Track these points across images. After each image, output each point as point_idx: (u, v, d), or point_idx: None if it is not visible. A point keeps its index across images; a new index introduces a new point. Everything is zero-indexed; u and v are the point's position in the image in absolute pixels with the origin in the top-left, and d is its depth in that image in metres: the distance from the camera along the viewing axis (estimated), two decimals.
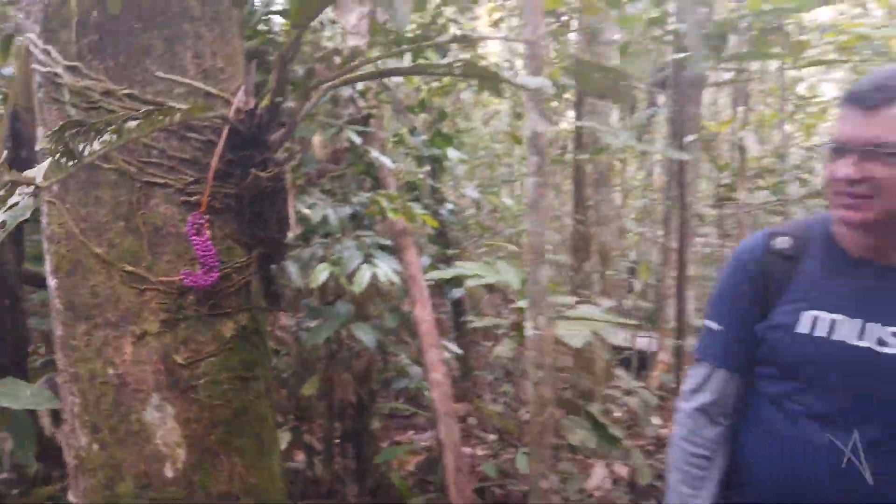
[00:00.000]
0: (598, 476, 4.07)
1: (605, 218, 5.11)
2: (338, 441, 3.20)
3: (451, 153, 3.74)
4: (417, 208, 3.03)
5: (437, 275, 2.74)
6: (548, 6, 3.98)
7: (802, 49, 4.32)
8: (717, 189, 7.29)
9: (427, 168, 3.93)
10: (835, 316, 1.19)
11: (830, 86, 14.39)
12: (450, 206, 3.61)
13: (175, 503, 1.05)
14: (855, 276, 1.20)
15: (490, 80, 1.29)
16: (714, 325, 1.32)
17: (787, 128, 11.61)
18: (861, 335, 1.17)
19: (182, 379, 1.05)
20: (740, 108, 8.16)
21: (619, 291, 7.05)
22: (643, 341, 5.29)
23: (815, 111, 13.46)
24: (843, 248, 1.22)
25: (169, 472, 1.05)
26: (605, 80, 1.26)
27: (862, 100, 1.12)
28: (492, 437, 4.29)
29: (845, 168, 1.12)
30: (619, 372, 5.08)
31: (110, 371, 1.04)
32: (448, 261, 3.73)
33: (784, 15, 5.09)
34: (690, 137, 5.29)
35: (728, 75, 6.35)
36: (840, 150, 1.14)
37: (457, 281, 3.82)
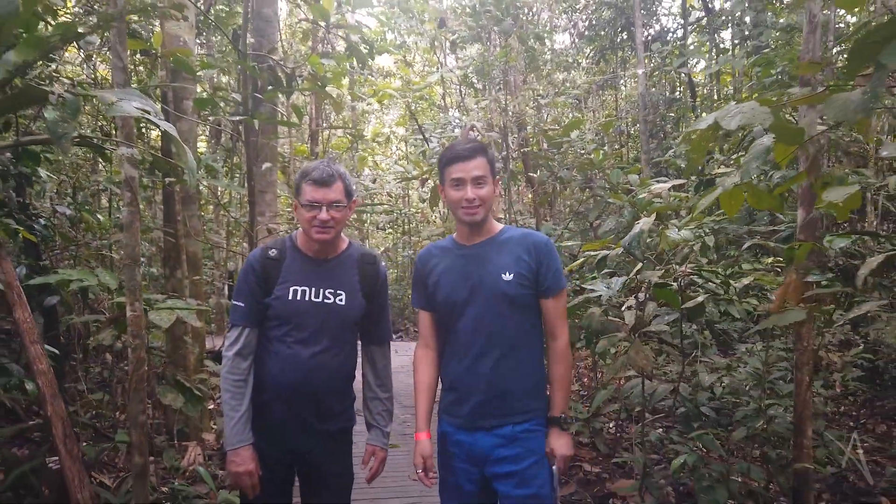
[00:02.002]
0: (192, 454, 4.87)
1: (193, 231, 5.80)
2: None
3: (41, 172, 4.07)
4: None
5: (40, 280, 3.18)
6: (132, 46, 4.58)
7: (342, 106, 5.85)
8: None
9: (12, 184, 4.15)
10: (304, 287, 2.32)
11: (391, 121, 17.47)
12: (42, 220, 3.96)
13: None
14: (310, 265, 2.36)
15: (95, 147, 2.06)
16: (239, 303, 2.34)
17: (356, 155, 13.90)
18: (317, 295, 2.32)
19: None
20: (311, 139, 9.73)
21: (210, 294, 7.84)
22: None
23: (377, 143, 16.16)
24: (303, 252, 2.37)
25: None
26: (174, 167, 2.14)
27: (322, 181, 2.26)
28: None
29: (323, 214, 2.25)
30: (209, 363, 5.94)
31: None
32: (41, 271, 4.04)
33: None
34: (266, 164, 6.41)
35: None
36: (316, 206, 2.25)
37: (50, 290, 4.16)
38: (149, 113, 1.68)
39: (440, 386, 2.44)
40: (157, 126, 1.76)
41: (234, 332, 2.34)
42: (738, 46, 11.35)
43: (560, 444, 2.27)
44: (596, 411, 4.81)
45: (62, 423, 3.03)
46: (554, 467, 2.27)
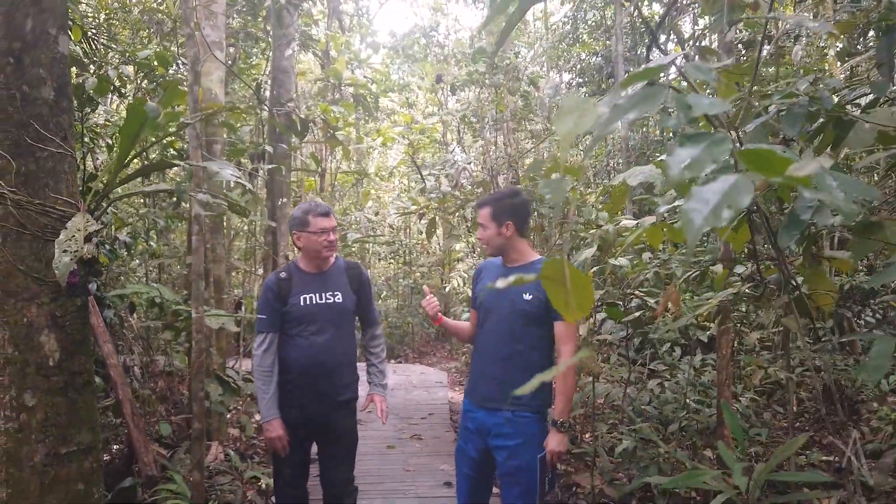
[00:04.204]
0: (213, 453, 5.68)
1: (218, 257, 6.66)
2: None
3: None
4: None
5: (117, 292, 4.04)
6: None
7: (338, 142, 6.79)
8: None
9: None
10: (311, 294, 3.18)
11: (394, 155, 18.45)
12: (107, 246, 4.83)
13: (53, 374, 2.44)
14: (312, 278, 3.22)
15: (182, 197, 2.95)
16: (263, 316, 3.19)
17: (361, 189, 14.79)
18: (321, 298, 3.18)
19: (58, 323, 2.45)
20: (320, 176, 10.64)
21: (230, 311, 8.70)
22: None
23: (380, 177, 17.06)
24: (305, 270, 3.24)
25: (51, 363, 2.44)
26: (243, 209, 3.04)
27: (326, 213, 3.14)
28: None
29: (331, 236, 3.13)
30: (231, 372, 6.73)
31: (25, 320, 2.39)
32: (104, 286, 4.91)
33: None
34: (283, 199, 7.31)
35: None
36: (325, 231, 3.14)
37: (105, 303, 5.02)
38: (239, 178, 2.58)
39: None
40: (243, 185, 2.65)
41: (261, 337, 3.20)
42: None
43: (553, 441, 2.83)
44: None
45: (130, 403, 3.88)
46: (544, 456, 2.85)
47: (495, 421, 2.93)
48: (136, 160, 3.70)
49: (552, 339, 2.94)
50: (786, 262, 2.02)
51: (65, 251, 2.13)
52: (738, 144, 1.97)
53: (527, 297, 2.88)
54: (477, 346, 3.06)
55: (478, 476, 3.07)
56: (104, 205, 2.60)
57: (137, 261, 7.37)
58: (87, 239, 2.19)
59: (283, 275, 3.24)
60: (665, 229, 3.76)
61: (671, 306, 3.07)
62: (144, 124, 2.40)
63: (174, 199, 6.91)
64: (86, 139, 4.91)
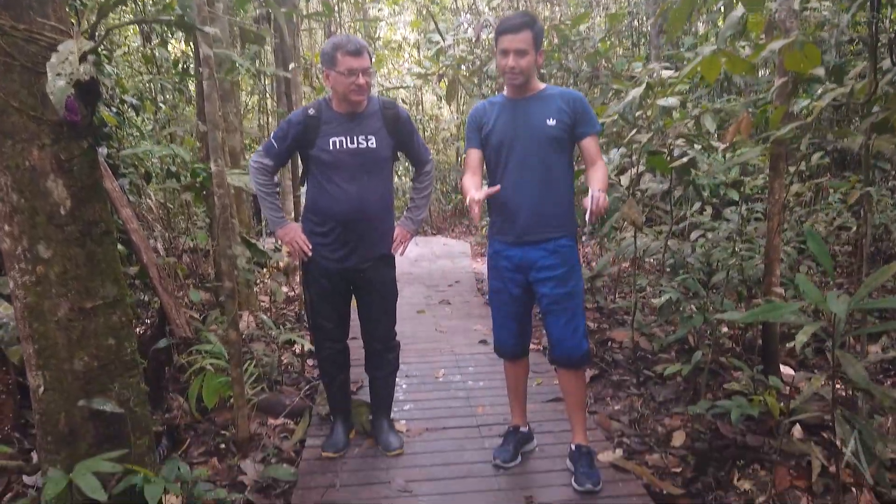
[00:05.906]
0: (245, 320, 5.62)
1: (231, 126, 6.34)
2: None
3: (107, 67, 4.60)
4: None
5: (129, 152, 3.78)
6: None
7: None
8: None
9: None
10: (341, 137, 2.90)
11: (403, 26, 17.50)
12: (114, 109, 4.53)
13: (67, 224, 2.23)
14: (344, 120, 2.93)
15: (187, 28, 2.60)
16: (274, 143, 2.94)
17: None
18: (352, 142, 2.90)
19: (64, 167, 2.21)
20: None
21: None
22: None
23: (390, 50, 16.28)
24: (336, 110, 2.94)
25: (63, 211, 2.22)
26: (259, 36, 2.67)
27: (357, 52, 2.80)
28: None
29: (361, 80, 2.80)
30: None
31: (27, 163, 2.15)
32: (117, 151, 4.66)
33: None
34: (292, 65, 6.85)
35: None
36: (354, 73, 2.80)
37: (118, 174, 4.78)
38: None
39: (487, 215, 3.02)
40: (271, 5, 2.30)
41: (265, 158, 2.99)
42: None
43: (598, 195, 2.59)
44: (597, 273, 5.47)
45: (156, 267, 3.73)
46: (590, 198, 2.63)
47: (539, 254, 2.89)
48: None
49: (571, 161, 2.95)
50: None
51: (58, 74, 1.84)
52: None
53: (550, 122, 2.80)
54: (505, 184, 2.88)
55: (523, 313, 3.07)
56: (100, 30, 2.27)
57: (147, 143, 7.08)
58: (83, 58, 1.89)
59: (311, 111, 2.93)
60: (724, 59, 3.38)
61: (742, 132, 2.76)
62: None
63: (178, 68, 6.50)
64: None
